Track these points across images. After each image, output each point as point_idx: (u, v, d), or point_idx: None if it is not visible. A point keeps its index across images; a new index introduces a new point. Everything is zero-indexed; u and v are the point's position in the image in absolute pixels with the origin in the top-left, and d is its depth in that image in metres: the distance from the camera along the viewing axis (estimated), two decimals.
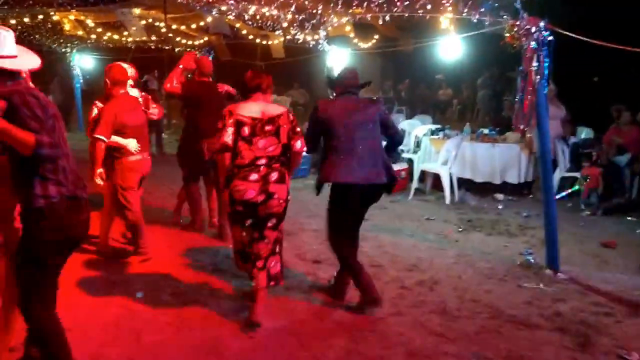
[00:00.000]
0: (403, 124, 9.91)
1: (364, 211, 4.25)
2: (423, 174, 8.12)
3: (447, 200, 7.65)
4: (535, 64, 4.80)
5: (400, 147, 8.81)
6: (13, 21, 13.60)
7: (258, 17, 12.35)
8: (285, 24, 12.07)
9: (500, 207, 7.45)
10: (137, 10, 12.25)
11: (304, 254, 5.44)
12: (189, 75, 6.16)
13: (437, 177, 7.87)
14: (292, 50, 14.76)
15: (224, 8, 12.29)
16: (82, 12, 12.89)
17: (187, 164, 5.86)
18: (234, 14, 12.83)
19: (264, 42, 14.86)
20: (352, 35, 12.68)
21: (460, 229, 6.48)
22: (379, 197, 4.20)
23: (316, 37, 12.49)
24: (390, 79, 19.10)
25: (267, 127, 3.75)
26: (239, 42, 14.99)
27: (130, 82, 5.16)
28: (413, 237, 6.14)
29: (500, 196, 7.75)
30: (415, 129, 9.31)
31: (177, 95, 5.79)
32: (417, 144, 8.90)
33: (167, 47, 12.77)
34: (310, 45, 12.25)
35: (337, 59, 8.77)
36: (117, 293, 4.36)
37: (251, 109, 3.78)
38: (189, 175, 5.90)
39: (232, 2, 11.81)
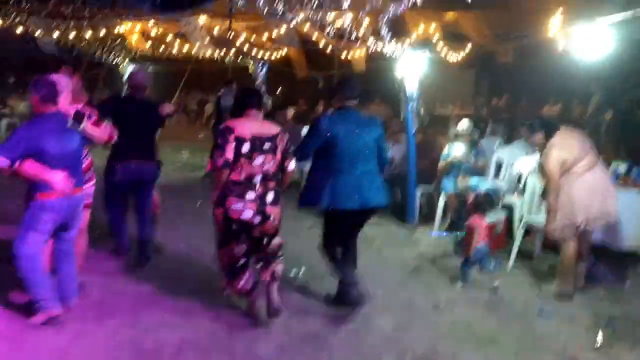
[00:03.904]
0: (501, 152, 6.94)
1: None
2: (529, 228, 5.28)
3: None
4: None
5: (494, 186, 6.00)
6: (88, 35, 12.37)
7: (339, 26, 10.22)
8: (365, 31, 9.80)
9: None
10: (202, 18, 10.47)
11: None
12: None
13: None
14: (373, 62, 12.53)
15: (301, 16, 10.25)
16: (150, 24, 11.38)
17: (107, 183, 4.66)
18: (309, 23, 10.82)
19: (343, 55, 12.71)
20: (440, 44, 10.14)
21: (597, 343, 3.66)
22: None
23: (398, 45, 10.08)
24: (484, 94, 16.09)
25: (266, 145, 3.52)
26: (316, 54, 12.97)
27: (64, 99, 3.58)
28: (518, 358, 3.43)
29: None
30: (517, 161, 6.38)
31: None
32: (520, 181, 6.07)
33: (231, 58, 10.79)
34: (394, 56, 9.88)
35: (412, 68, 6.12)
36: None
37: (250, 126, 3.52)
38: (107, 195, 4.71)
39: (310, 10, 9.82)
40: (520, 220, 5.21)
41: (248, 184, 3.44)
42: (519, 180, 6.14)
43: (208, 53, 11.70)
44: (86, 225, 4.01)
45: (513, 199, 5.71)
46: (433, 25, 9.56)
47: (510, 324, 3.87)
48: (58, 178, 3.34)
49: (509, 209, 5.66)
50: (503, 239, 5.42)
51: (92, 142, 3.77)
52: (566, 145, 4.31)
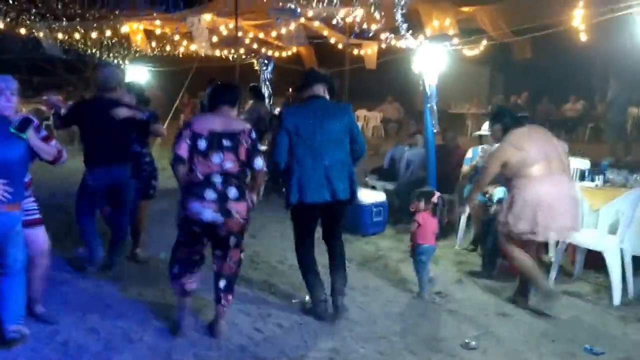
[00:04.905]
0: None
1: None
2: (568, 244, 4.50)
3: (617, 298, 3.96)
4: None
5: None
6: (94, 35, 11.78)
7: (350, 21, 9.49)
8: (378, 26, 9.08)
9: None
10: (207, 17, 9.81)
11: None
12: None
13: (594, 253, 4.26)
14: (385, 59, 11.77)
15: (310, 13, 9.55)
16: (153, 23, 10.75)
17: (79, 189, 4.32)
18: (319, 19, 10.10)
19: (355, 52, 11.95)
20: (455, 40, 9.44)
21: None
22: None
23: (413, 39, 9.35)
24: (499, 92, 15.25)
25: (225, 142, 3.22)
26: (326, 51, 12.24)
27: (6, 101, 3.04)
28: None
29: None
30: None
31: None
32: None
33: (235, 57, 10.11)
34: (412, 48, 9.09)
35: (431, 62, 5.35)
36: None
37: (211, 122, 3.25)
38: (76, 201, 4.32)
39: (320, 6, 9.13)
40: None
41: (207, 183, 3.17)
42: None
43: (217, 53, 11.07)
44: (47, 247, 3.35)
45: None
46: (448, 20, 8.87)
47: None
48: None
49: None
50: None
51: (38, 156, 3.16)
52: (517, 147, 3.74)
